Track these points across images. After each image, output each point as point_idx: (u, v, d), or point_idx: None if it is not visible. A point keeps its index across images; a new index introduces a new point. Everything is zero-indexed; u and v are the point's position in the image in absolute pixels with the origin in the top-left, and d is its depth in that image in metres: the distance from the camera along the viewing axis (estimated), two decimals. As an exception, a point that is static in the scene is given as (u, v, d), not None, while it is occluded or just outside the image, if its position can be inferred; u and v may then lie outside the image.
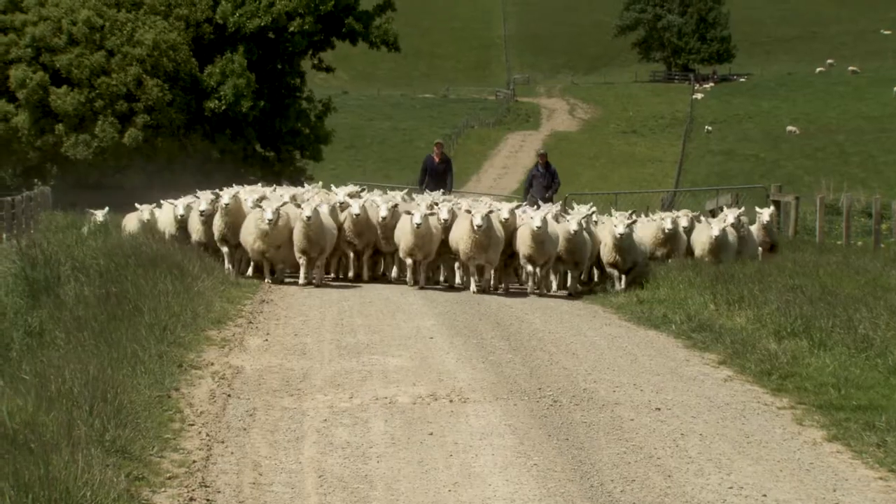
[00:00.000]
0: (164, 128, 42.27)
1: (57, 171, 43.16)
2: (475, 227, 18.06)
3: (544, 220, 18.36)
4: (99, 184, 40.63)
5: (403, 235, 18.87)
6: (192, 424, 9.70)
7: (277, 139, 46.66)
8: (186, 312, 13.91)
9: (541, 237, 18.38)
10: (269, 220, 18.13)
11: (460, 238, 18.54)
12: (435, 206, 19.78)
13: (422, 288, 18.88)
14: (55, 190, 39.00)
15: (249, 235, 18.64)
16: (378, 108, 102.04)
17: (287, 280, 19.34)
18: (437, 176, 24.68)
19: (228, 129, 44.26)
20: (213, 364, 12.04)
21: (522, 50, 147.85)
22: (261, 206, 18.57)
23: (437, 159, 24.99)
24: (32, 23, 42.84)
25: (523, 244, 18.66)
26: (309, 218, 18.15)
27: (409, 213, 18.77)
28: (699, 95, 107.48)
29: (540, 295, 18.87)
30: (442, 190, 23.07)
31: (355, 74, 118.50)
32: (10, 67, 42.44)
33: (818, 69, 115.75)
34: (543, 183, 24.67)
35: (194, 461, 8.74)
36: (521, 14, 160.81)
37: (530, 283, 19.19)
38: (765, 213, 22.92)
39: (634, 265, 19.09)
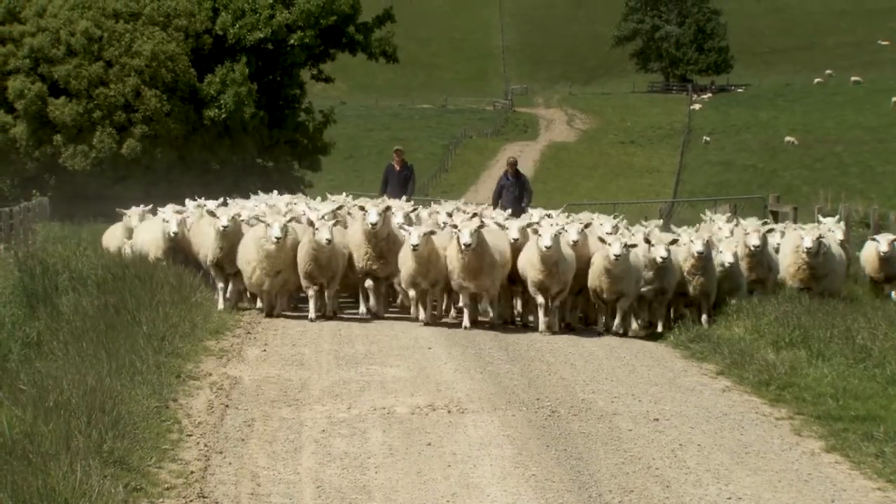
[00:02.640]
0: (163, 138, 42.26)
1: (55, 182, 43.12)
2: (462, 247, 14.99)
3: (555, 239, 15.02)
4: (97, 195, 40.57)
5: (404, 260, 15.69)
6: (190, 435, 9.70)
7: (276, 149, 46.67)
8: (184, 323, 13.91)
9: (552, 258, 15.06)
10: (277, 238, 15.43)
11: (449, 260, 15.50)
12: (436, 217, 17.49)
13: (427, 324, 15.78)
14: (53, 201, 39.00)
15: (248, 264, 15.82)
16: (376, 118, 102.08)
17: (290, 314, 16.46)
18: (399, 184, 22.86)
19: (227, 140, 44.26)
20: (211, 374, 12.05)
21: (521, 60, 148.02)
22: (264, 221, 15.73)
23: (397, 167, 23.21)
24: (31, 34, 42.83)
25: (531, 268, 15.31)
26: (329, 241, 15.39)
27: (403, 228, 15.75)
28: (697, 106, 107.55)
29: (552, 333, 15.47)
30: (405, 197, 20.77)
31: (354, 85, 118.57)
32: (8, 78, 42.42)
33: (816, 80, 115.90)
34: (514, 193, 22.39)
35: (192, 472, 8.74)
36: (519, 25, 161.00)
37: (541, 318, 15.55)
38: None
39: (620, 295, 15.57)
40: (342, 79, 77.27)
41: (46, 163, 42.50)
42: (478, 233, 15.05)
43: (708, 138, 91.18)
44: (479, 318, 16.14)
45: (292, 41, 44.90)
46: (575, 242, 15.60)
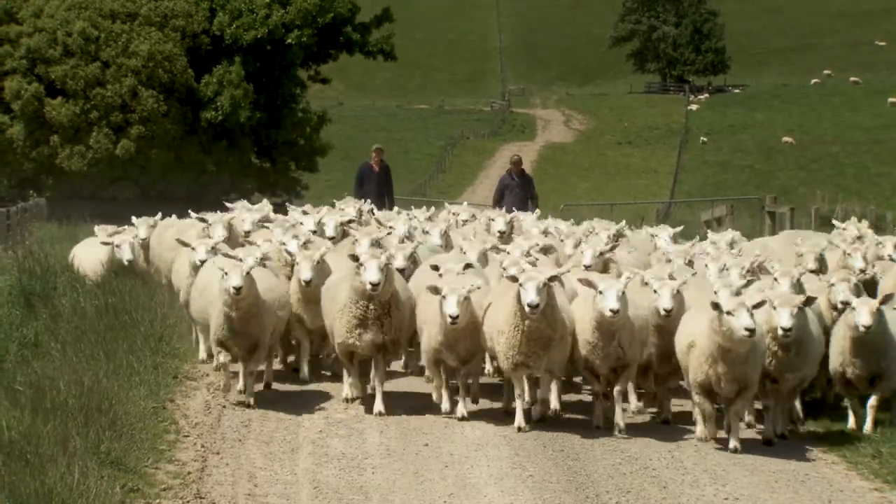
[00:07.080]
0: (159, 139, 42.23)
1: (52, 183, 43.09)
2: (527, 309, 9.82)
3: (623, 298, 9.89)
4: (94, 195, 40.57)
5: (429, 326, 10.60)
6: (188, 436, 9.70)
7: (273, 150, 46.67)
8: (182, 323, 13.89)
9: (613, 326, 10.04)
10: (237, 289, 10.39)
11: (499, 329, 10.17)
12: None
13: (464, 418, 10.43)
14: (50, 201, 38.96)
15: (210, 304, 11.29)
16: (374, 119, 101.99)
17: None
18: (377, 186, 20.87)
19: (224, 141, 44.25)
20: (208, 375, 12.04)
21: (517, 61, 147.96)
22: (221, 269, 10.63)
23: (376, 168, 21.30)
24: (27, 34, 42.79)
25: (580, 337, 10.26)
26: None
27: (437, 291, 10.17)
28: (694, 106, 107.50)
29: (608, 426, 10.27)
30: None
31: (351, 85, 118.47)
32: (4, 79, 42.40)
33: (813, 80, 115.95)
34: (519, 195, 20.02)
35: (189, 472, 8.74)
36: (516, 25, 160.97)
37: (597, 407, 10.50)
38: None
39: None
40: (339, 79, 77.23)
41: (43, 163, 42.47)
42: (547, 287, 9.87)
43: (705, 139, 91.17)
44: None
45: (289, 40, 44.90)
46: (668, 312, 10.35)
